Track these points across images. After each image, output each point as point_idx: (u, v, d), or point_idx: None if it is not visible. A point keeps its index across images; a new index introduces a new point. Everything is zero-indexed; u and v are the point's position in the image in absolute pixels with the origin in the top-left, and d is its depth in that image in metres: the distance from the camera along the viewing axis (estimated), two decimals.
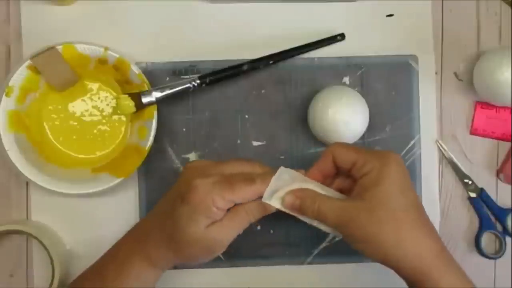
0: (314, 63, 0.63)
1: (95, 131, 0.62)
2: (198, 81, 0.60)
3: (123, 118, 0.62)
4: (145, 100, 0.58)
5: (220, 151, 0.62)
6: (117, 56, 0.58)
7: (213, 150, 0.62)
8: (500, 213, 0.63)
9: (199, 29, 0.63)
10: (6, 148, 0.58)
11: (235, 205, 0.50)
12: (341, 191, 0.52)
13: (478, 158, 0.64)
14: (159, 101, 0.59)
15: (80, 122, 0.62)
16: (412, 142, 0.63)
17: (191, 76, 0.61)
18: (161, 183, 0.62)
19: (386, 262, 0.49)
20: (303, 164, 0.56)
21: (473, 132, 0.64)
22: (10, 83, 0.58)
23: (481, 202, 0.64)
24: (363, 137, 0.61)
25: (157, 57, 0.62)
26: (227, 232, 0.50)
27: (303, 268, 0.63)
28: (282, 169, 0.51)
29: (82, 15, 0.62)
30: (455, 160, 0.63)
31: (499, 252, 0.64)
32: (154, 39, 0.62)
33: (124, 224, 0.58)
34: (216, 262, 0.60)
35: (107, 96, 0.62)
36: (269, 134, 0.63)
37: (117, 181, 0.59)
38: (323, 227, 0.51)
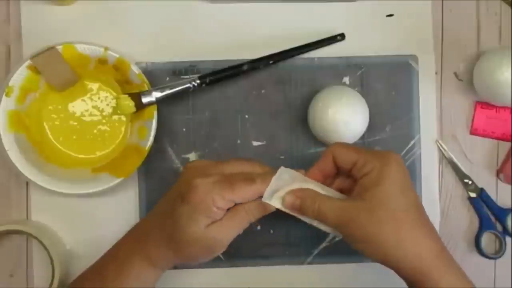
0: (314, 63, 0.63)
1: (95, 131, 0.62)
2: (198, 81, 0.60)
3: (123, 118, 0.62)
4: (145, 100, 0.58)
5: (220, 151, 0.62)
6: (117, 56, 0.59)
7: (213, 150, 0.62)
8: (500, 213, 0.63)
9: (199, 29, 0.63)
10: (6, 148, 0.58)
11: (235, 204, 0.50)
12: (341, 191, 0.52)
13: (478, 158, 0.64)
14: (159, 101, 0.59)
15: (80, 122, 0.62)
16: (412, 142, 0.63)
17: (191, 76, 0.61)
18: (161, 183, 0.62)
19: (386, 262, 0.49)
20: (303, 164, 0.56)
21: (473, 132, 0.64)
22: (10, 83, 0.58)
23: (481, 202, 0.64)
24: (363, 137, 0.61)
25: (157, 57, 0.62)
26: (227, 232, 0.50)
27: (303, 268, 0.63)
28: (282, 169, 0.51)
29: (82, 15, 0.62)
30: (455, 160, 0.63)
31: (499, 252, 0.64)
32: (154, 39, 0.62)
33: (124, 224, 0.58)
34: (216, 262, 0.61)
35: (107, 96, 0.62)
36: (269, 134, 0.63)
37: (117, 181, 0.59)
38: (323, 227, 0.51)
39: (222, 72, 0.60)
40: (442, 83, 0.64)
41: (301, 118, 0.62)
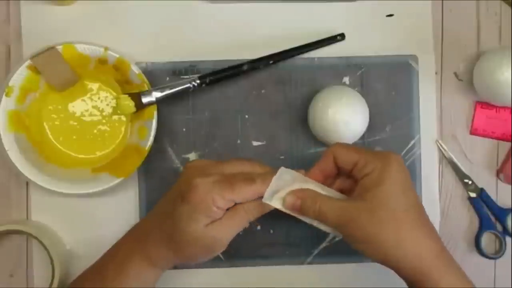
0: (314, 63, 0.63)
1: (95, 131, 0.62)
2: (198, 81, 0.60)
3: (123, 118, 0.62)
4: (145, 100, 0.58)
5: (220, 151, 0.62)
6: (117, 56, 0.59)
7: (213, 150, 0.62)
8: (500, 213, 0.63)
9: (199, 29, 0.63)
10: (6, 148, 0.58)
11: (235, 204, 0.50)
12: (341, 191, 0.52)
13: (478, 158, 0.64)
14: (159, 101, 0.59)
15: (80, 122, 0.62)
16: (412, 142, 0.63)
17: (191, 76, 0.61)
18: (161, 183, 0.62)
19: (386, 262, 0.49)
20: (303, 164, 0.56)
21: (473, 132, 0.64)
22: (10, 83, 0.58)
23: (481, 202, 0.64)
24: (363, 137, 0.61)
25: (157, 57, 0.62)
26: (226, 231, 0.50)
27: (303, 268, 0.63)
28: (282, 169, 0.51)
29: (82, 15, 0.62)
30: (455, 160, 0.63)
31: (499, 252, 0.64)
32: (154, 39, 0.62)
33: (124, 224, 0.58)
34: (216, 262, 0.61)
35: (107, 96, 0.62)
36: (269, 134, 0.63)
37: (117, 181, 0.59)
38: (323, 227, 0.51)
39: (222, 72, 0.60)
40: (442, 83, 0.64)
41: (301, 118, 0.62)
